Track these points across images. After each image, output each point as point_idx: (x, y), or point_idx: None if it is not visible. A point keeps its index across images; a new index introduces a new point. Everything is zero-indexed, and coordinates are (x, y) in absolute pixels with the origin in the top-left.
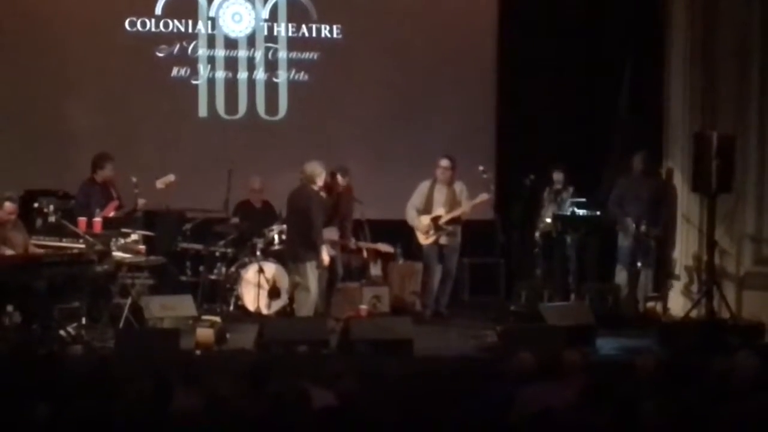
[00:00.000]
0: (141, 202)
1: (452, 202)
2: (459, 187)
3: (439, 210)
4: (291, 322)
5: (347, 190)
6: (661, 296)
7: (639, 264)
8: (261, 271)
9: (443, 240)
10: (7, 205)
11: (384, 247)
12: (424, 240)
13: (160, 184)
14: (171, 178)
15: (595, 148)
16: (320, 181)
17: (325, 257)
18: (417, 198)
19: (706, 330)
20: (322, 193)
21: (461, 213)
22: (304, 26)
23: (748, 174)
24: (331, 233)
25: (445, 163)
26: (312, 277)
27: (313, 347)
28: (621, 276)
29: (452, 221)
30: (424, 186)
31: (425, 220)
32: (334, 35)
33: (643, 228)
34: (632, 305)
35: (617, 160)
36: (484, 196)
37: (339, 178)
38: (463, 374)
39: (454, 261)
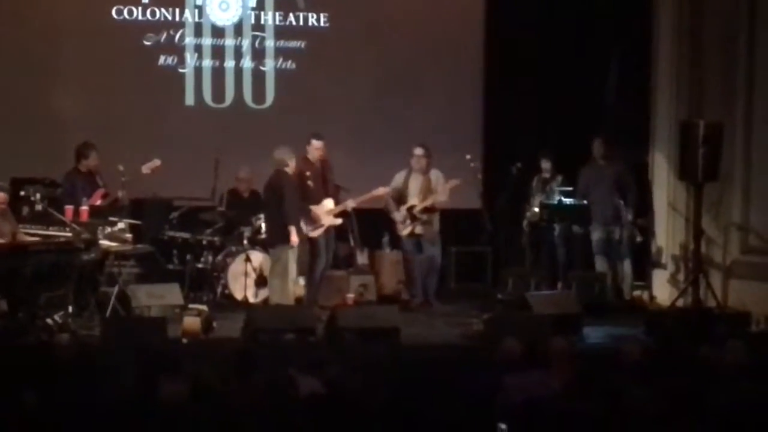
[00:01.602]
0: (121, 194)
1: (426, 191)
2: (435, 175)
3: (413, 200)
4: (278, 311)
5: (326, 159)
6: (647, 285)
7: (613, 255)
8: (248, 259)
9: (419, 230)
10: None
11: (379, 191)
12: (401, 231)
13: (145, 169)
14: (156, 162)
15: (582, 136)
16: (293, 164)
17: (294, 238)
18: (393, 189)
19: (693, 319)
20: (309, 176)
21: (434, 201)
22: (291, 15)
23: (734, 162)
24: (328, 203)
25: (419, 151)
26: (291, 261)
27: (300, 335)
28: (601, 265)
29: (427, 210)
30: (399, 176)
31: (402, 210)
32: (321, 24)
33: (629, 217)
34: (616, 294)
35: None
36: (453, 182)
37: (315, 142)
38: (450, 362)
39: (434, 250)
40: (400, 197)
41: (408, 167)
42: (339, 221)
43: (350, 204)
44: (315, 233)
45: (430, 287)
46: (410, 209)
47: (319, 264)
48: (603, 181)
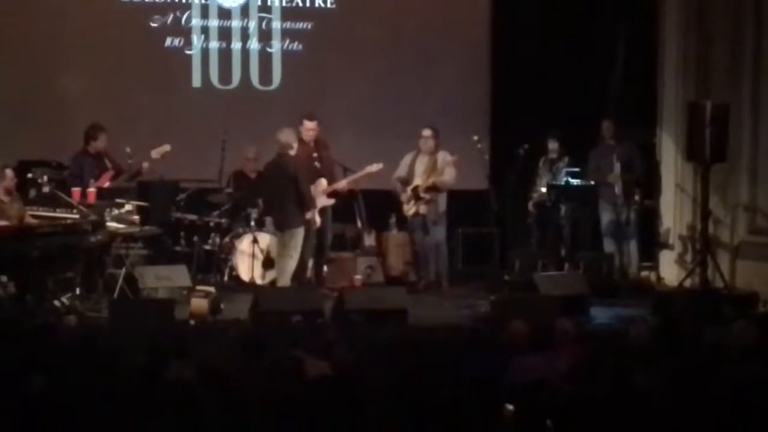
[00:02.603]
0: (145, 165)
1: (431, 171)
2: (442, 156)
3: (418, 180)
4: (285, 292)
5: (320, 139)
6: (654, 265)
7: (621, 235)
8: (255, 241)
9: (423, 209)
10: (9, 172)
11: (372, 168)
12: (406, 211)
13: (155, 154)
14: (166, 147)
15: (589, 117)
16: (296, 146)
17: (317, 218)
18: (401, 169)
19: (700, 299)
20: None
21: (436, 181)
22: None
23: (741, 143)
24: (321, 184)
25: (426, 132)
26: (300, 243)
27: (308, 317)
28: (609, 246)
29: (430, 189)
30: (407, 158)
31: (407, 190)
32: (328, 5)
33: (637, 197)
34: (623, 275)
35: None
36: (451, 158)
37: (308, 123)
38: (457, 344)
39: (439, 231)
40: (408, 178)
41: (416, 149)
42: (332, 201)
43: (342, 184)
44: (309, 214)
45: (441, 269)
46: (415, 189)
47: (310, 245)
48: (612, 162)
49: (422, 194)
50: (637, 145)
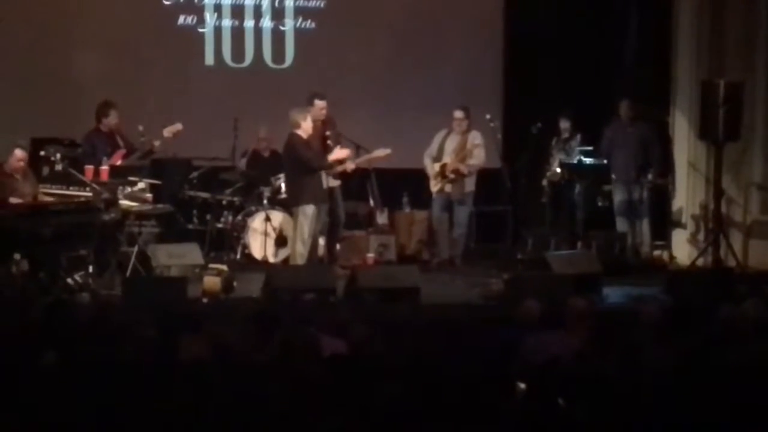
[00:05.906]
0: (157, 143)
1: (460, 151)
2: (473, 135)
3: (447, 158)
4: (298, 270)
5: (329, 118)
6: (666, 244)
7: (634, 214)
8: (268, 219)
9: (448, 188)
10: (17, 152)
11: (380, 153)
12: (432, 187)
13: (167, 132)
14: (178, 126)
15: (603, 96)
16: (306, 125)
17: (350, 165)
18: (433, 146)
19: (713, 278)
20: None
21: (461, 167)
22: None
23: (755, 122)
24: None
25: (458, 114)
26: (305, 223)
27: (321, 295)
28: (622, 225)
29: (455, 172)
30: (439, 135)
31: (436, 167)
32: None
33: (650, 176)
34: (635, 254)
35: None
36: (478, 140)
37: (319, 102)
38: (469, 322)
39: (461, 212)
40: (438, 156)
41: (432, 125)
42: (338, 182)
43: (350, 165)
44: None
45: (456, 249)
46: (443, 167)
47: (321, 223)
48: (627, 142)
49: (448, 173)
50: (651, 124)
